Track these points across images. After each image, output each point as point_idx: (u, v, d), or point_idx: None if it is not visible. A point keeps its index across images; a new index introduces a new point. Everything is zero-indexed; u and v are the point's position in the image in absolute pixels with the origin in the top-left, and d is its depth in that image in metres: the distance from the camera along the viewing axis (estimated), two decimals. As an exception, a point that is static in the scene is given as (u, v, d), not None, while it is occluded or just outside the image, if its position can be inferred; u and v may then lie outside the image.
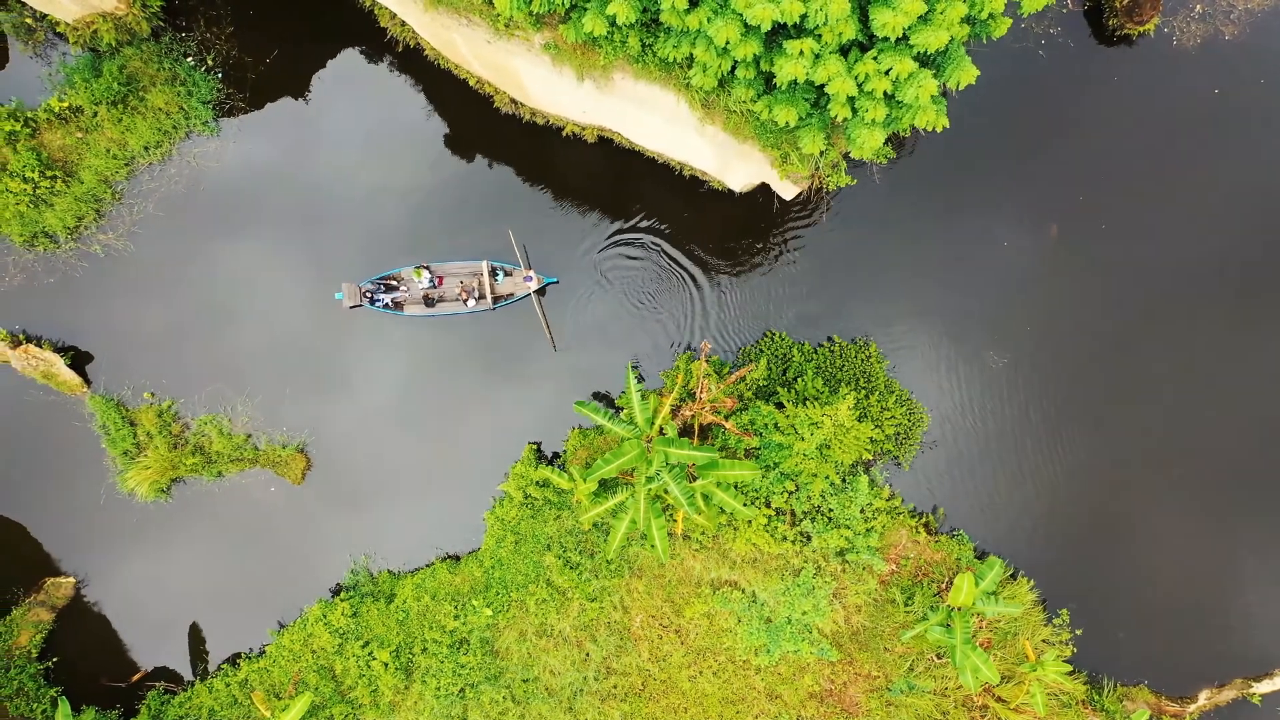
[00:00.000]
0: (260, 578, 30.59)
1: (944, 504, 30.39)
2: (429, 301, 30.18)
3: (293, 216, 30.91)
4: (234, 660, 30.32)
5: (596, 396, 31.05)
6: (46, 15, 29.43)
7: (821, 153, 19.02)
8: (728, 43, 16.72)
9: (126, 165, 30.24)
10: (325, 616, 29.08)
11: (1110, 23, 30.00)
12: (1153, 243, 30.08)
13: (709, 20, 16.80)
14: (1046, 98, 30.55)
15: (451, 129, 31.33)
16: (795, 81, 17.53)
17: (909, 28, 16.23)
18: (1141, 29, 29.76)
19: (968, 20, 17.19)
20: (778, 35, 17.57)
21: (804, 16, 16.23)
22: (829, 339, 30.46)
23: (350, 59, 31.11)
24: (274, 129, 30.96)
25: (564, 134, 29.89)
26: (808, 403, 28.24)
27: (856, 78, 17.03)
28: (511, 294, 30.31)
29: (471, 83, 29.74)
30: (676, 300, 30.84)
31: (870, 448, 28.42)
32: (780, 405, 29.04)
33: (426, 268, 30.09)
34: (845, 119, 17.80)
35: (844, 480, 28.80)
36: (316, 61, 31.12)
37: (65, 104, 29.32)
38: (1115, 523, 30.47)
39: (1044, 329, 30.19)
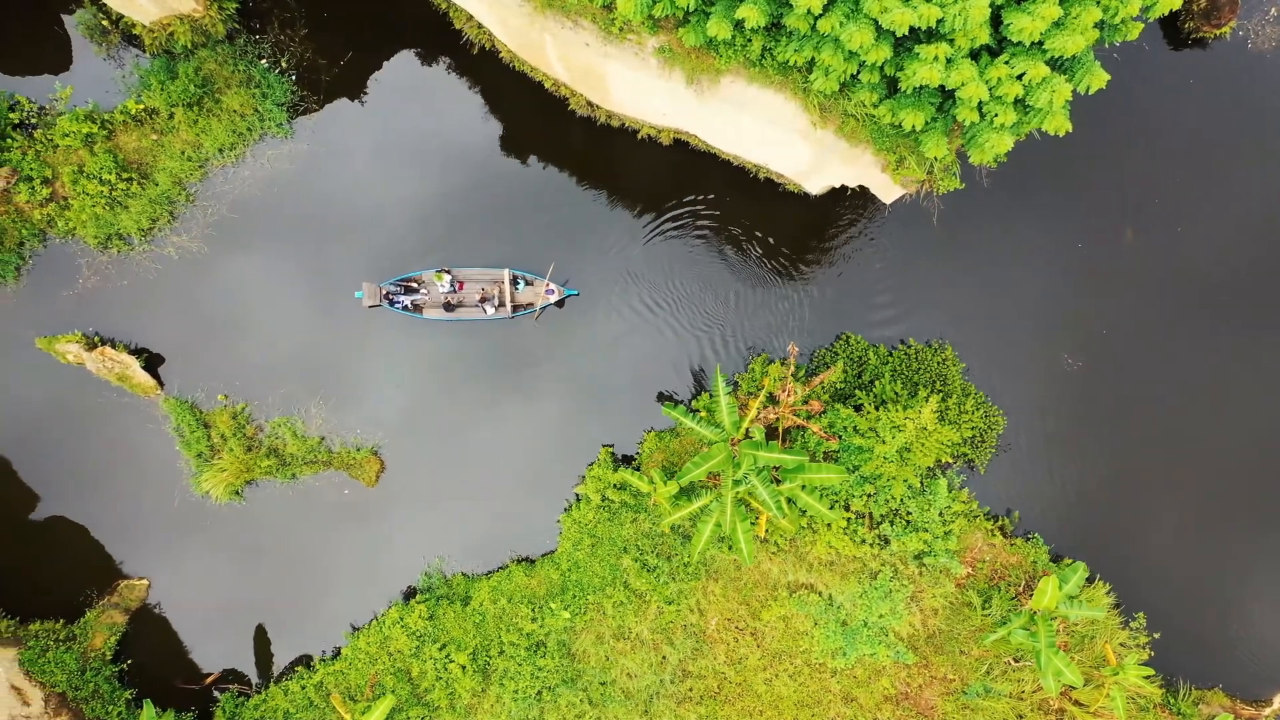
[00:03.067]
0: (332, 580, 30.58)
1: (1017, 506, 30.36)
2: (448, 306, 30.12)
3: (355, 218, 30.78)
4: (307, 663, 30.32)
5: (660, 398, 31.02)
6: (123, 17, 29.39)
7: (937, 157, 19.04)
8: (860, 47, 16.70)
9: (200, 167, 30.21)
10: (403, 619, 29.07)
11: (1186, 26, 29.97)
12: (1229, 245, 30.05)
13: (841, 25, 16.79)
14: (1121, 101, 30.45)
15: (523, 131, 31.27)
16: (922, 85, 17.52)
17: (1044, 33, 16.23)
18: (1218, 32, 29.72)
19: (1097, 25, 17.18)
20: (905, 39, 17.57)
21: (940, 21, 16.25)
22: (902, 341, 30.45)
23: (424, 61, 31.05)
24: (346, 130, 30.87)
25: (639, 136, 29.85)
26: (885, 406, 28.23)
27: (987, 82, 17.02)
28: (531, 304, 30.22)
29: (547, 85, 29.69)
30: (734, 304, 30.85)
31: (950, 451, 28.38)
32: (858, 408, 29.03)
33: (448, 271, 30.01)
34: (972, 123, 17.80)
35: (922, 484, 28.77)
36: (389, 63, 31.07)
37: (141, 106, 29.30)
38: (1188, 526, 30.47)
39: (1120, 332, 30.17)
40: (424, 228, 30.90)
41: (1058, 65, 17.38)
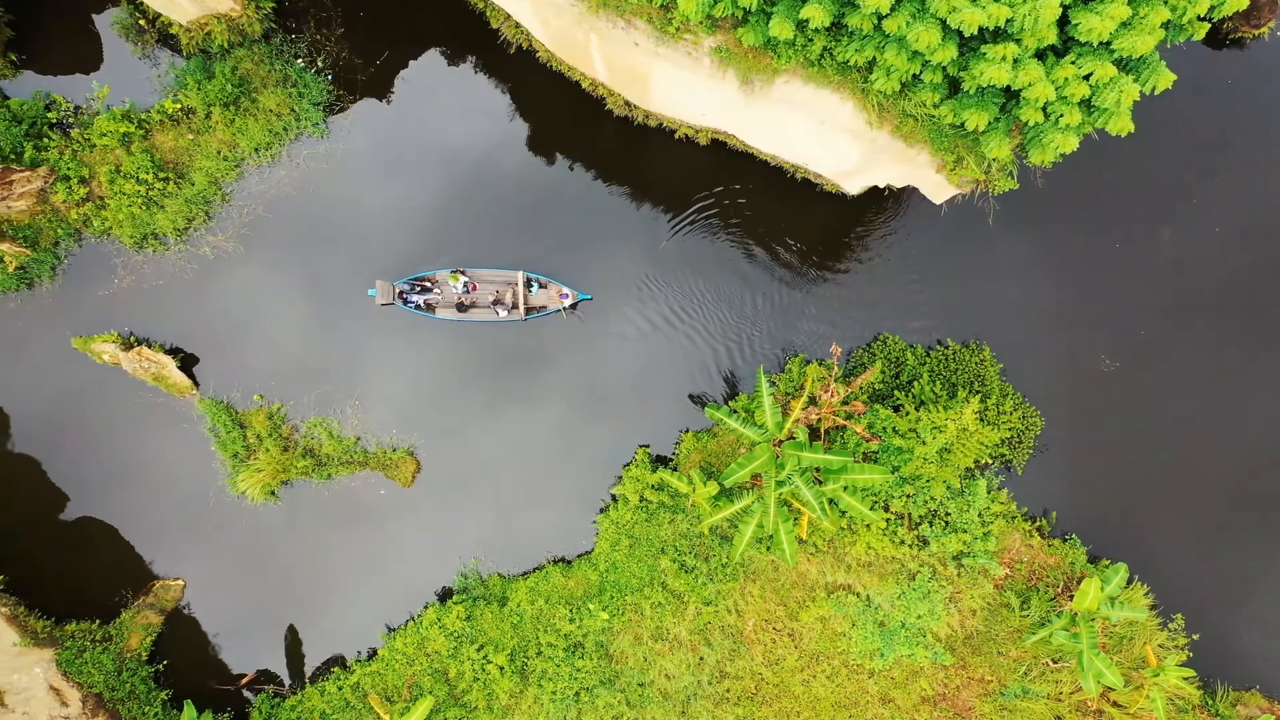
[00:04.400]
0: (367, 581, 30.51)
1: (1053, 507, 30.29)
2: (460, 307, 30.05)
3: (383, 216, 30.61)
4: (342, 664, 30.25)
5: (692, 399, 30.93)
6: (159, 16, 29.30)
7: (999, 157, 18.97)
8: (927, 47, 16.65)
9: (236, 167, 30.13)
10: (440, 620, 29.00)
11: (1225, 26, 29.90)
12: (1266, 245, 30.00)
13: (907, 25, 16.73)
14: (1157, 100, 30.24)
15: (555, 131, 31.19)
16: (984, 86, 17.46)
17: (1112, 33, 16.18)
18: (1256, 32, 29.68)
19: (1163, 25, 17.13)
20: (969, 39, 17.52)
21: (1009, 21, 16.19)
22: (939, 342, 30.39)
23: (459, 60, 30.97)
24: (380, 130, 30.78)
25: (676, 136, 29.78)
26: (925, 406, 28.17)
27: (1054, 82, 16.97)
28: (544, 306, 30.18)
29: (584, 85, 29.60)
30: (767, 304, 30.80)
31: (989, 452, 28.33)
32: (896, 408, 28.98)
33: (462, 272, 29.93)
34: (1037, 124, 17.75)
35: (961, 484, 28.70)
36: (425, 63, 31.00)
37: (179, 105, 29.22)
38: (1224, 527, 30.42)
39: (1157, 332, 30.11)
40: (445, 227, 30.75)
41: (1123, 65, 17.33)
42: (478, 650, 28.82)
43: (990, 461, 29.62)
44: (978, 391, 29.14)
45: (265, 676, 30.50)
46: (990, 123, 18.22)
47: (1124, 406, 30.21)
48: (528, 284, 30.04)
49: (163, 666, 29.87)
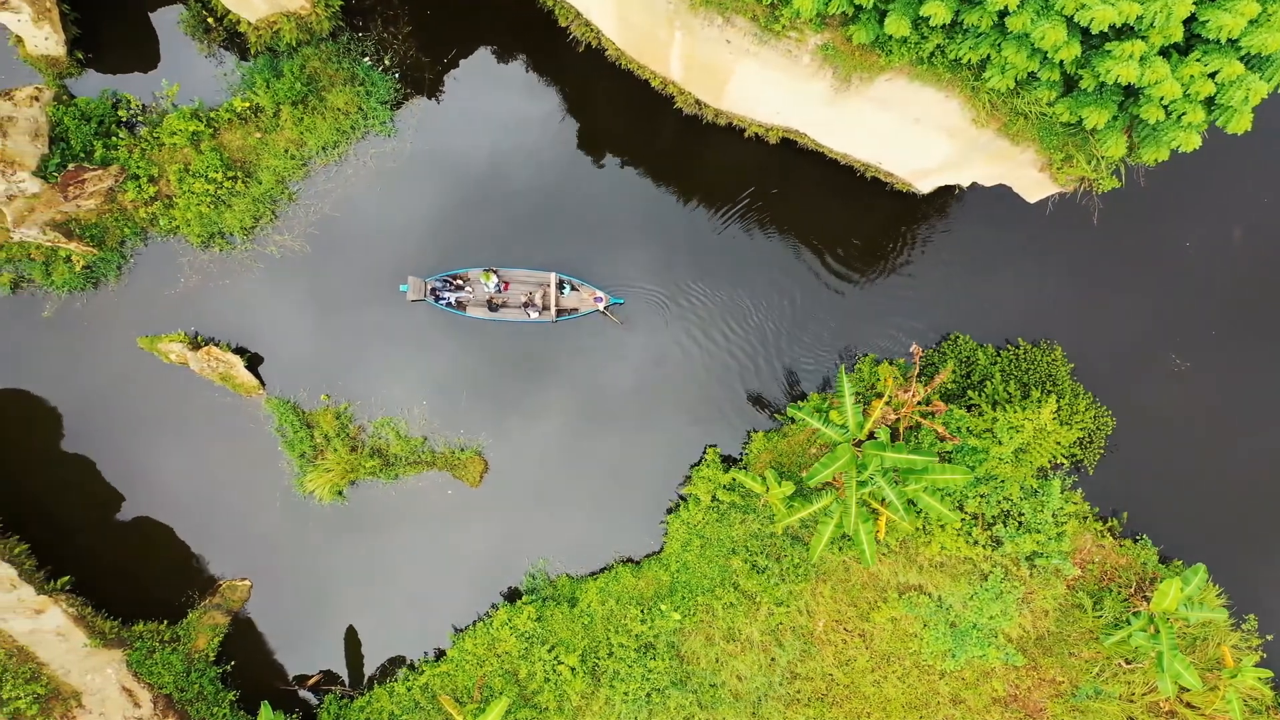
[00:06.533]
0: (433, 581, 30.41)
1: (1123, 507, 30.16)
2: (492, 306, 29.96)
3: (434, 214, 30.51)
4: (409, 664, 30.15)
5: (749, 399, 30.81)
6: (227, 15, 29.18)
7: (1117, 155, 18.84)
8: (1052, 45, 16.52)
9: (303, 166, 30.00)
10: (511, 620, 28.87)
11: (1296, 24, 29.72)
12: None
13: (1032, 22, 16.60)
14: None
15: (617, 130, 31.09)
16: (1103, 84, 17.33)
17: (1242, 30, 16.05)
18: (1329, 30, 29.49)
19: (1287, 22, 17.01)
20: (1091, 37, 17.40)
21: (1138, 18, 16.07)
22: (1009, 342, 30.26)
23: (525, 58, 30.84)
24: (445, 128, 30.66)
25: (746, 135, 29.64)
26: (1000, 406, 28.06)
27: (1179, 80, 16.85)
28: (576, 309, 30.10)
29: (654, 84, 29.45)
30: (830, 303, 30.73)
31: (1063, 452, 28.22)
32: (969, 408, 28.85)
33: (495, 272, 29.83)
34: (1158, 121, 17.61)
35: (1035, 484, 28.56)
36: (491, 61, 30.88)
37: (247, 104, 29.08)
38: (1293, 527, 30.33)
39: (1229, 333, 29.98)
40: (481, 225, 30.54)
41: (1248, 63, 17.19)
42: (549, 651, 28.70)
43: (1063, 462, 29.50)
44: (1050, 391, 29.00)
45: (329, 677, 30.39)
46: (1109, 120, 18.10)
47: (1194, 407, 30.07)
48: (560, 286, 29.91)
49: (230, 667, 29.76)
